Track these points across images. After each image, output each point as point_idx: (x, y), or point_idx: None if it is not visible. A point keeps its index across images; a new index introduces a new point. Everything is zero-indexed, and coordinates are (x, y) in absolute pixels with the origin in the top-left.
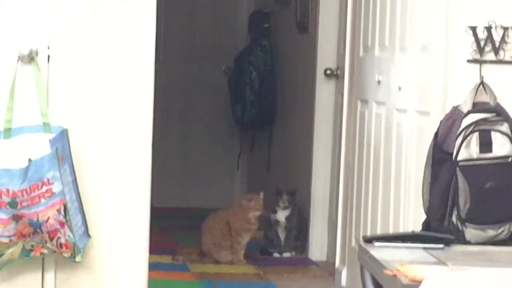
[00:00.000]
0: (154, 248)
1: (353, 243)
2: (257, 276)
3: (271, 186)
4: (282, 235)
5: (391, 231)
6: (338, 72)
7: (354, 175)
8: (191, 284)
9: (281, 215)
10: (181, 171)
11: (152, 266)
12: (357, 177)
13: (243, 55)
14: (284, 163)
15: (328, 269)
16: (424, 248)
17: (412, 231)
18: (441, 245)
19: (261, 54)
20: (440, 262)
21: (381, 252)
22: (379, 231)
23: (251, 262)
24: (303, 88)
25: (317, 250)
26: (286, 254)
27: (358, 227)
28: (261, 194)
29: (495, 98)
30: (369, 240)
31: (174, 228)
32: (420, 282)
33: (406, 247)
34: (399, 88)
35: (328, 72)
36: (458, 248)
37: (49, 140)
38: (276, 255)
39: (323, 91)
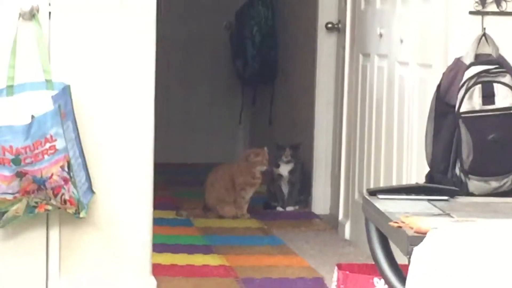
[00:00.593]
0: (158, 203)
1: (356, 196)
2: (260, 230)
3: (273, 140)
4: (285, 189)
5: (394, 183)
6: (340, 25)
7: (357, 129)
8: (194, 238)
9: (284, 169)
10: (183, 126)
11: (156, 222)
12: (359, 131)
13: (243, 10)
14: (286, 117)
15: (332, 222)
16: (429, 200)
17: (416, 183)
18: (445, 197)
19: (262, 9)
20: (444, 213)
21: (386, 204)
22: (382, 184)
23: (254, 216)
24: (304, 42)
25: (320, 203)
26: (290, 208)
27: (361, 181)
28: (265, 148)
29: (497, 49)
30: (373, 193)
31: (176, 183)
32: (425, 233)
33: (411, 199)
34: (401, 41)
35: (330, 25)
36: (463, 199)
37: (52, 97)
38: (279, 209)
39: (325, 45)
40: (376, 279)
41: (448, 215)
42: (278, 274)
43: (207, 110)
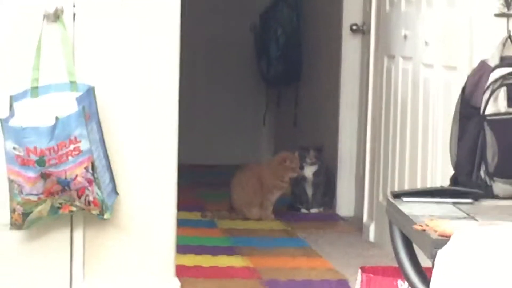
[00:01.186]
0: (182, 205)
1: (381, 198)
2: (285, 232)
3: (297, 142)
4: (309, 191)
5: (419, 186)
6: (364, 27)
7: (381, 131)
8: (219, 240)
9: (309, 171)
10: (208, 127)
11: (180, 223)
12: (384, 133)
13: (268, 12)
14: (310, 119)
15: (356, 224)
16: (453, 203)
17: (441, 186)
18: (470, 200)
19: (287, 10)
20: (469, 216)
21: (410, 207)
22: (406, 187)
23: (278, 218)
24: (329, 44)
25: (344, 205)
26: (314, 210)
27: (386, 183)
28: (296, 153)
29: None
30: (397, 195)
31: (201, 185)
32: (449, 236)
33: (435, 202)
34: (426, 43)
35: (354, 27)
36: (487, 202)
37: (76, 98)
38: (303, 211)
39: (349, 47)
40: (400, 282)
41: (473, 218)
42: (302, 276)
43: (231, 111)
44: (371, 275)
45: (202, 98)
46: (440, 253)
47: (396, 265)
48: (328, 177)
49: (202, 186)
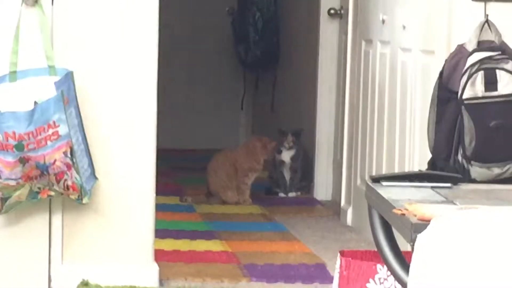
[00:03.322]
0: (160, 189)
1: (359, 182)
2: (263, 216)
3: (275, 126)
4: (287, 175)
5: (396, 170)
6: (342, 11)
7: (359, 115)
8: (197, 224)
9: (286, 156)
10: (185, 112)
11: (159, 207)
12: (361, 117)
13: None
14: (288, 103)
15: (334, 209)
16: (432, 187)
17: (420, 170)
18: (448, 184)
19: None
20: (448, 201)
21: (389, 191)
22: (384, 171)
23: (256, 202)
24: (307, 28)
25: (322, 189)
26: (292, 194)
27: (363, 167)
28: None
29: (500, 36)
30: (376, 180)
31: (179, 169)
32: (429, 220)
33: (414, 186)
34: (404, 27)
35: (332, 11)
36: (465, 186)
37: (54, 83)
38: (281, 195)
39: (327, 31)
40: (379, 266)
41: (452, 202)
42: (280, 260)
43: (209, 95)
44: (351, 259)
45: (180, 82)
46: (420, 237)
47: (375, 249)
48: (306, 161)
49: (181, 170)
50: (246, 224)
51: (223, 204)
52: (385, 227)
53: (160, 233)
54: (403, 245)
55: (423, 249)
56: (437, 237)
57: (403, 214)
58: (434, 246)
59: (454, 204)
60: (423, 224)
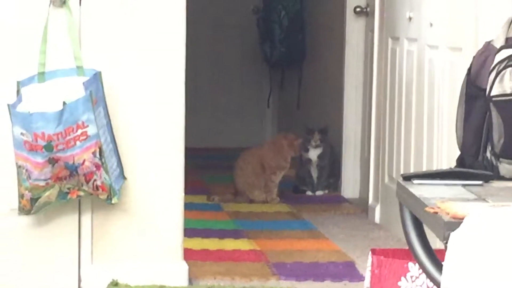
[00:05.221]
0: (188, 188)
1: (386, 180)
2: (290, 214)
3: (301, 124)
4: (314, 173)
5: (424, 168)
6: (368, 9)
7: (386, 113)
8: (225, 223)
9: (313, 154)
10: (212, 111)
11: (186, 206)
12: (389, 115)
13: None
14: (314, 101)
15: (361, 206)
16: (463, 185)
17: (450, 168)
18: (480, 182)
19: None
20: (480, 198)
21: (420, 189)
22: (412, 169)
23: (284, 200)
24: (332, 26)
25: (349, 187)
26: (319, 192)
27: (391, 164)
28: (299, 139)
29: None
30: (407, 178)
31: (206, 168)
32: (462, 218)
33: (445, 184)
34: (431, 24)
35: (358, 9)
36: (496, 184)
37: (83, 83)
38: (309, 193)
39: (353, 28)
40: (411, 264)
41: (484, 200)
42: (309, 259)
43: (235, 94)
44: (382, 257)
45: (206, 81)
46: (453, 235)
47: (406, 247)
48: (333, 159)
49: (208, 169)
50: (274, 222)
51: (250, 203)
52: (416, 225)
53: (188, 232)
54: (434, 243)
55: (457, 248)
56: (471, 235)
57: (436, 212)
58: (468, 245)
59: (486, 201)
60: (456, 222)
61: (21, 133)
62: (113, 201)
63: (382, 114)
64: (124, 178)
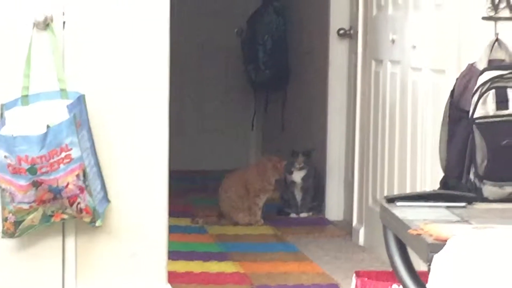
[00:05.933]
0: (172, 211)
1: (370, 202)
2: (275, 236)
3: (286, 146)
4: (298, 195)
5: (408, 190)
6: (352, 31)
7: (370, 135)
8: (209, 245)
9: (297, 176)
10: (196, 133)
11: (171, 229)
12: (372, 137)
13: (255, 16)
14: (298, 123)
15: (346, 229)
16: (447, 207)
17: (434, 190)
18: (463, 204)
19: (273, 15)
20: (463, 220)
21: (404, 211)
22: (396, 190)
23: (268, 223)
24: (316, 49)
25: (333, 210)
26: (303, 215)
27: (375, 186)
28: (283, 162)
29: (510, 54)
30: (391, 200)
31: (191, 191)
32: (445, 240)
33: (428, 206)
34: (414, 47)
35: (341, 32)
36: (479, 206)
37: (67, 106)
38: (293, 215)
39: (337, 51)
40: (395, 286)
41: (467, 222)
42: (293, 281)
43: (219, 116)
44: (366, 279)
45: (190, 104)
46: (437, 257)
47: (390, 269)
48: (317, 181)
49: (192, 192)
50: (258, 245)
51: (234, 225)
52: (400, 247)
53: (173, 254)
54: (418, 265)
55: (440, 269)
56: (454, 257)
57: (419, 234)
58: (451, 267)
59: (470, 223)
60: (439, 244)
61: (5, 156)
62: (97, 224)
63: (366, 136)
64: (108, 201)
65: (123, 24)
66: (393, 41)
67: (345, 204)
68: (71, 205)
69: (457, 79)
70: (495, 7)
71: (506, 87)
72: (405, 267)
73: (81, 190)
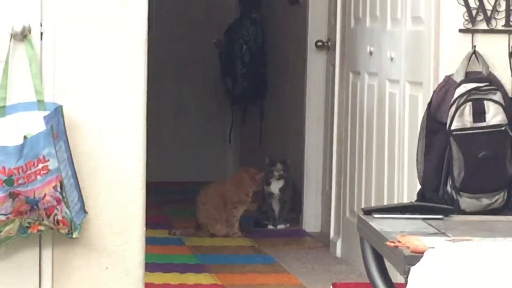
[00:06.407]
0: (149, 222)
1: (348, 214)
2: (252, 248)
3: (263, 159)
4: (276, 207)
5: (385, 202)
6: (329, 43)
7: (347, 147)
8: (186, 257)
9: (275, 187)
10: (173, 145)
11: (148, 241)
12: (350, 148)
13: (233, 28)
14: (276, 135)
15: (323, 240)
16: (424, 219)
17: (411, 202)
18: (440, 216)
19: (251, 27)
20: (440, 232)
21: (381, 223)
22: (373, 202)
23: (246, 235)
24: (294, 60)
25: (311, 221)
26: (281, 226)
27: (352, 198)
28: (260, 173)
29: (487, 67)
30: (368, 212)
31: (168, 202)
32: (422, 253)
33: (406, 218)
34: (391, 59)
35: (319, 43)
36: (456, 218)
37: (44, 117)
38: (270, 227)
39: (315, 62)
40: None
41: (444, 234)
42: None
43: (197, 128)
44: None
45: (168, 115)
46: (414, 269)
47: (366, 281)
48: (294, 193)
49: (169, 203)
50: (236, 256)
51: (212, 237)
52: (377, 259)
53: (150, 266)
54: (395, 277)
55: (417, 282)
56: (431, 270)
57: (396, 247)
58: (428, 279)
59: (447, 236)
60: (416, 256)
61: None
62: (74, 236)
63: (343, 148)
64: (85, 212)
65: (101, 35)
66: (370, 53)
67: (323, 216)
68: (48, 216)
69: (434, 91)
70: (472, 20)
71: (483, 99)
72: (382, 279)
73: (58, 201)
